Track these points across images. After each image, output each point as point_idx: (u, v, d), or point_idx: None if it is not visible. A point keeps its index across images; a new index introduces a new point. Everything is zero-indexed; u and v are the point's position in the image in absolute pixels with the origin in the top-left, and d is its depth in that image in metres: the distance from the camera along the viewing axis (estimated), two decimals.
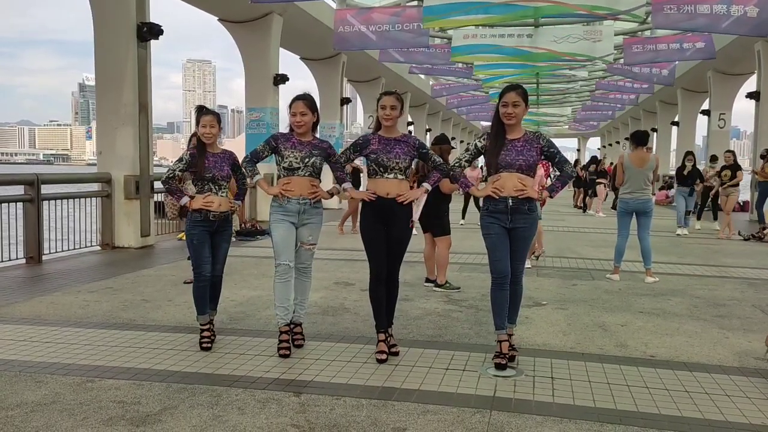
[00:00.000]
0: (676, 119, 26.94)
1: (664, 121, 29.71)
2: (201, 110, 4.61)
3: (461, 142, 44.06)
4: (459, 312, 5.76)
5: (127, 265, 8.25)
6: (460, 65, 18.63)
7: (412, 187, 4.49)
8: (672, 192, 23.96)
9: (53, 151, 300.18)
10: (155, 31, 10.02)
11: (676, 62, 16.71)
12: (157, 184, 10.01)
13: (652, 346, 4.74)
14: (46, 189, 8.76)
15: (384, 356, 4.25)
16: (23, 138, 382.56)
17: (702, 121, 23.38)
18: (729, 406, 3.55)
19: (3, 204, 8.18)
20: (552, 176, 8.00)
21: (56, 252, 8.92)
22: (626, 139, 40.80)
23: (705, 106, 23.02)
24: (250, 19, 14.56)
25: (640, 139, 7.59)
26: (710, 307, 6.16)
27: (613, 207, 19.17)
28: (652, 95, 27.26)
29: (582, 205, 20.03)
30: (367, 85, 24.20)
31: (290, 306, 4.52)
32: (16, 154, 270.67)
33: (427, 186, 4.42)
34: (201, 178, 4.52)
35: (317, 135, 4.70)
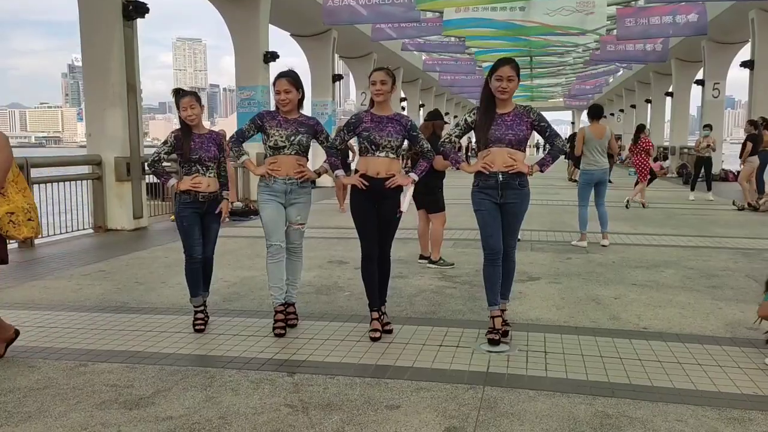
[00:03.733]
0: (671, 90, 26.81)
1: (658, 92, 29.56)
2: (178, 93, 4.53)
3: (455, 117, 43.84)
4: (453, 288, 5.76)
5: (120, 248, 8.22)
6: (452, 39, 18.45)
7: (406, 166, 4.44)
8: (667, 163, 23.97)
9: (45, 134, 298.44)
10: (141, 9, 9.85)
11: (670, 36, 16.54)
12: None
13: (645, 318, 4.76)
14: (36, 173, 8.69)
15: (377, 334, 4.25)
16: (14, 121, 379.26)
17: (696, 91, 23.28)
18: (721, 376, 3.57)
19: None
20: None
21: (49, 236, 8.86)
22: (620, 111, 40.86)
23: (699, 75, 22.90)
24: None
25: (596, 113, 8.35)
26: (703, 278, 6.18)
27: (572, 179, 19.14)
28: (645, 66, 27.09)
29: (576, 178, 20.00)
30: (359, 61, 23.97)
31: (284, 286, 4.51)
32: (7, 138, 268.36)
33: (414, 176, 4.36)
34: (188, 160, 4.47)
35: (304, 112, 4.64)
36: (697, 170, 14.70)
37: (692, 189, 14.42)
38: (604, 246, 7.89)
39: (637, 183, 13.14)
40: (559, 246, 8.05)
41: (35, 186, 8.57)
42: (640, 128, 13.60)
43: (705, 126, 15.17)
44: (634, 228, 9.56)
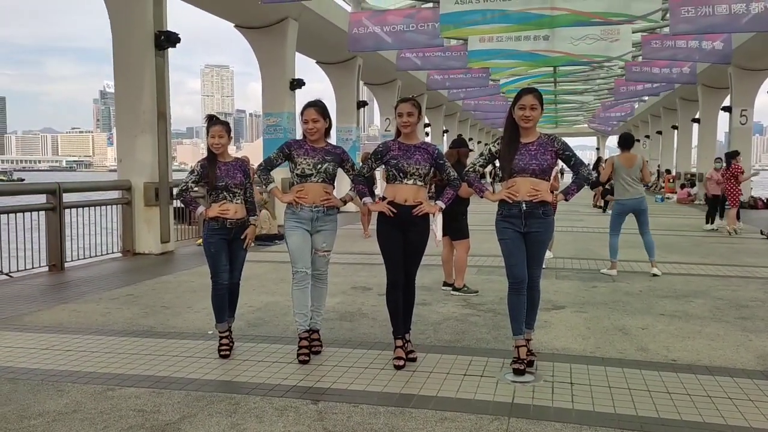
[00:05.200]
0: (697, 116, 26.56)
1: (684, 118, 29.31)
2: (210, 120, 4.65)
3: (479, 142, 43.90)
4: (477, 316, 5.73)
5: (148, 272, 8.34)
6: (476, 68, 18.53)
7: (430, 192, 4.47)
8: (694, 190, 23.67)
9: (75, 158, 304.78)
10: (173, 39, 10.12)
11: (696, 61, 16.46)
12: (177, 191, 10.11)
13: (674, 350, 4.67)
14: (68, 197, 8.90)
15: (401, 362, 4.24)
16: (47, 145, 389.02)
17: (723, 117, 23.03)
18: (753, 411, 3.49)
19: (26, 213, 8.32)
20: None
21: (78, 259, 9.04)
22: (646, 137, 40.54)
23: (726, 102, 22.68)
24: (266, 25, 14.65)
25: (626, 142, 8.19)
26: (733, 308, 6.07)
27: (596, 206, 18.95)
28: (672, 92, 26.92)
29: (601, 204, 19.84)
30: (383, 87, 24.22)
31: (308, 312, 4.54)
32: (39, 161, 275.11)
33: (441, 204, 4.40)
34: (214, 188, 4.56)
35: (331, 140, 4.71)
36: (713, 203, 14.27)
37: (710, 221, 14.05)
38: (655, 275, 7.70)
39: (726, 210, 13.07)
40: (584, 274, 7.97)
41: (66, 210, 8.78)
42: (732, 154, 13.36)
43: (717, 159, 15.10)
44: (661, 256, 9.40)
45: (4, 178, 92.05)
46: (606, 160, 8.43)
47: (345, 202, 4.71)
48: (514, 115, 4.10)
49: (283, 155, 4.51)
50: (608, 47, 14.55)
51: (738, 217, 13.17)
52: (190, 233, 11.60)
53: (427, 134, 29.98)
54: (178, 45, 10.22)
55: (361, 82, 21.22)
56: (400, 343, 4.34)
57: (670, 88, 23.72)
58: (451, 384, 3.92)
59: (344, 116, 20.08)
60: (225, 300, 4.61)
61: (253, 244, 4.80)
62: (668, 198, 24.96)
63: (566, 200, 4.25)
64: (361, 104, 20.40)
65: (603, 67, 21.41)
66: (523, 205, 4.06)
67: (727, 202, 13.30)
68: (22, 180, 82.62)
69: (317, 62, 20.11)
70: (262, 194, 10.71)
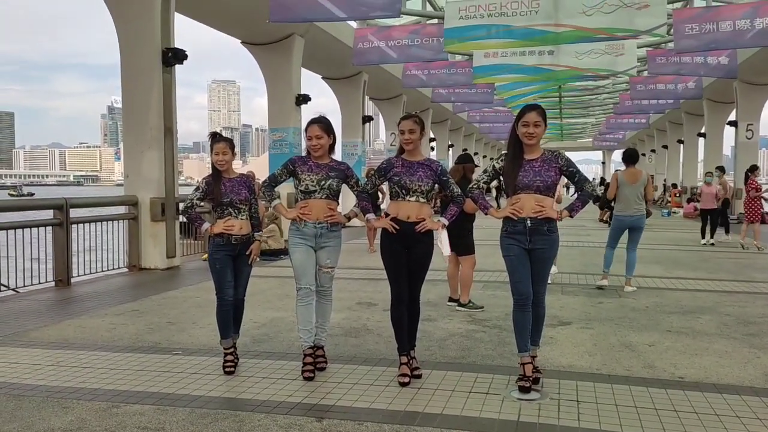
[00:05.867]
0: (703, 130, 26.55)
1: (690, 133, 29.31)
2: (214, 137, 4.68)
3: (484, 157, 43.96)
4: (482, 332, 5.71)
5: (153, 287, 8.35)
6: (481, 87, 18.58)
7: (435, 207, 4.48)
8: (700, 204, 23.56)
9: (83, 173, 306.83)
10: (180, 56, 10.21)
11: (701, 76, 16.49)
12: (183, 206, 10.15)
13: (681, 367, 4.64)
14: (74, 213, 8.94)
15: (406, 379, 4.23)
16: (54, 160, 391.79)
17: (730, 131, 23.00)
18: (761, 429, 3.46)
19: (33, 228, 8.36)
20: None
21: (85, 274, 9.07)
22: (652, 151, 40.49)
23: (732, 116, 22.67)
24: (272, 41, 14.78)
25: (630, 158, 8.09)
26: (740, 324, 6.02)
27: (602, 220, 18.90)
28: (677, 107, 26.92)
29: (608, 219, 19.77)
30: (389, 102, 24.33)
31: (313, 329, 4.53)
32: (47, 176, 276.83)
33: (444, 221, 4.41)
34: (219, 204, 4.58)
35: (336, 156, 4.73)
36: (704, 216, 13.89)
37: (710, 235, 13.71)
38: (627, 292, 7.71)
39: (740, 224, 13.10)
40: (590, 289, 7.93)
41: (74, 225, 8.82)
42: (751, 169, 13.39)
43: (707, 173, 15.15)
44: (668, 271, 9.39)
45: (14, 193, 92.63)
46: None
47: (349, 219, 4.72)
48: (518, 131, 4.11)
49: (288, 171, 4.53)
50: (613, 61, 14.60)
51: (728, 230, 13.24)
52: (195, 248, 11.63)
53: (432, 149, 30.06)
54: (185, 61, 10.33)
55: (367, 97, 21.34)
56: (405, 359, 4.33)
57: (676, 106, 23.72)
58: (456, 401, 3.90)
59: (350, 131, 20.18)
60: (230, 316, 4.62)
61: (258, 260, 4.81)
62: (675, 212, 24.88)
63: (571, 217, 4.24)
64: (367, 119, 20.49)
65: (608, 81, 21.42)
66: (528, 222, 4.06)
67: (741, 215, 13.29)
68: (32, 194, 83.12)
69: (323, 78, 20.24)
70: (268, 209, 10.74)
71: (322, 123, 4.50)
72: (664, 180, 34.77)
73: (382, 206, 11.70)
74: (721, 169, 15.44)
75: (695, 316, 6.41)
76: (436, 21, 13.97)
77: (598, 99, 28.52)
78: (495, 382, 4.27)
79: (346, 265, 9.37)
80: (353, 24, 16.60)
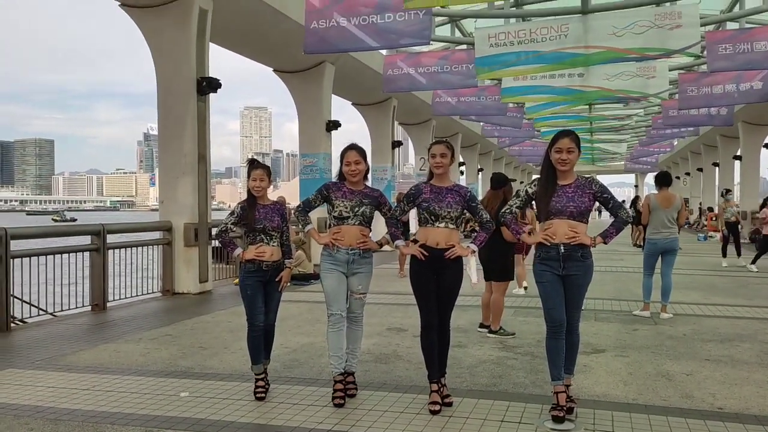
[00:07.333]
0: (739, 153, 26.03)
1: (726, 155, 28.74)
2: (252, 163, 4.77)
3: (513, 180, 43.66)
4: (514, 359, 5.63)
5: (186, 312, 8.45)
6: (511, 105, 18.60)
7: (465, 231, 4.47)
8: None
9: (119, 198, 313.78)
10: (214, 85, 10.46)
11: (734, 104, 16.23)
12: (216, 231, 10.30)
13: (720, 398, 4.51)
14: (111, 238, 9.14)
15: (437, 407, 4.19)
16: (92, 186, 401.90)
17: (766, 154, 22.54)
18: None
19: (71, 253, 8.56)
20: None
21: (120, 299, 9.23)
22: (687, 174, 39.81)
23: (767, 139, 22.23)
24: (303, 69, 15.04)
25: (664, 181, 7.93)
26: None
27: (636, 245, 18.56)
28: (711, 129, 26.50)
29: (641, 243, 19.43)
30: (418, 127, 24.46)
31: (343, 355, 4.53)
32: (84, 201, 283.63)
33: (473, 247, 4.39)
34: (252, 229, 4.64)
35: (368, 183, 4.78)
36: (728, 237, 14.23)
37: (738, 254, 13.94)
38: (663, 319, 7.52)
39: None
40: (624, 316, 7.78)
41: (110, 251, 9.02)
42: None
43: (726, 191, 14.94)
44: (705, 298, 9.16)
45: (57, 218, 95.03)
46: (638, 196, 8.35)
47: (381, 245, 4.74)
48: (551, 157, 4.10)
49: (322, 197, 4.58)
50: (645, 84, 14.45)
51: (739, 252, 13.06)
52: (227, 272, 11.76)
53: (462, 173, 30.02)
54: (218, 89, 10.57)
55: (396, 122, 21.48)
56: (435, 387, 4.29)
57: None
58: (488, 431, 3.84)
59: (379, 156, 20.31)
60: (260, 342, 4.65)
61: (288, 285, 4.85)
62: (711, 236, 24.33)
63: (605, 243, 4.18)
64: (396, 144, 20.61)
65: (639, 109, 21.19)
66: (561, 248, 4.03)
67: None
68: (75, 220, 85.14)
69: (353, 103, 20.47)
70: (299, 234, 10.84)
71: (359, 149, 4.56)
72: (700, 203, 34.09)
73: (411, 229, 11.71)
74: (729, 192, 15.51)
75: (734, 344, 6.24)
76: (465, 47, 14.07)
77: (630, 121, 28.21)
78: (527, 411, 4.20)
79: (376, 290, 9.37)
80: (383, 51, 16.82)
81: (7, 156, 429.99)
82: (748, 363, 5.49)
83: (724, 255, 14.18)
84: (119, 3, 10.36)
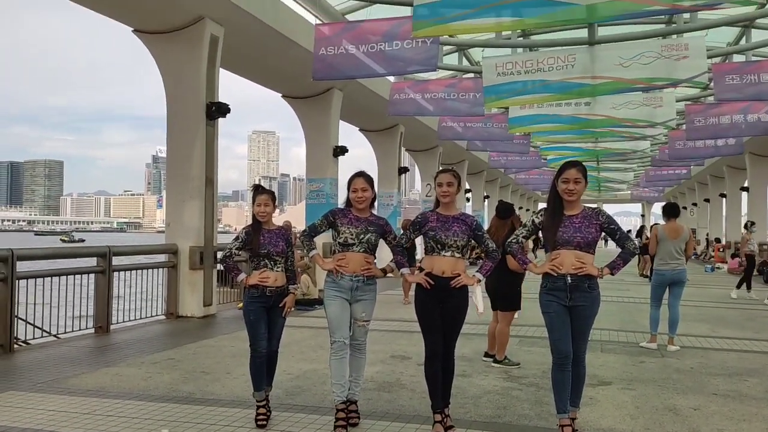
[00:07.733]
0: (746, 184, 25.98)
1: (733, 186, 28.69)
2: (257, 189, 4.80)
3: (520, 208, 43.69)
4: (519, 390, 5.57)
5: (190, 335, 8.42)
6: (517, 134, 18.67)
7: (470, 258, 4.46)
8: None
9: (126, 219, 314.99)
10: (223, 109, 10.55)
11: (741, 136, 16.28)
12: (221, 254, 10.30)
13: None
14: (116, 260, 9.15)
15: None
16: (99, 207, 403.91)
17: None
18: None
19: (77, 275, 8.57)
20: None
21: (123, 321, 9.20)
22: (694, 204, 39.72)
23: None
24: (312, 95, 15.17)
25: (671, 212, 7.93)
26: None
27: (642, 275, 18.44)
28: (718, 160, 26.49)
29: (648, 273, 19.29)
30: (425, 154, 24.55)
31: (346, 383, 4.49)
32: (92, 222, 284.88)
33: (479, 276, 4.38)
34: (256, 254, 4.65)
35: (374, 210, 4.79)
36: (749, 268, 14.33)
37: (748, 288, 13.91)
38: (670, 351, 7.44)
39: None
40: (631, 348, 7.70)
41: (116, 273, 9.02)
42: None
43: (751, 223, 15.01)
44: (713, 330, 9.07)
45: (66, 239, 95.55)
46: (651, 227, 8.33)
47: (385, 273, 4.73)
48: (558, 188, 4.11)
49: (328, 223, 4.59)
50: (651, 113, 14.50)
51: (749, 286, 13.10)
52: (231, 296, 11.72)
53: (468, 200, 30.02)
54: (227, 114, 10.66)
55: (403, 149, 21.58)
56: (439, 417, 4.25)
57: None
58: None
59: (386, 182, 20.36)
60: (263, 368, 4.62)
61: (292, 310, 4.83)
62: (719, 268, 24.16)
63: (612, 274, 4.16)
64: (403, 170, 20.68)
65: (646, 143, 21.18)
66: (568, 278, 4.01)
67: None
68: (83, 240, 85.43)
69: (360, 129, 20.60)
70: (303, 258, 10.82)
71: (366, 176, 4.59)
72: (707, 234, 33.93)
73: (417, 256, 11.68)
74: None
75: (742, 378, 6.15)
76: (472, 75, 14.18)
77: (637, 152, 28.22)
78: None
79: (380, 317, 9.30)
80: (391, 78, 16.97)
81: (17, 176, 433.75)
82: (756, 398, 5.41)
83: (739, 287, 14.02)
84: (132, 29, 10.52)
